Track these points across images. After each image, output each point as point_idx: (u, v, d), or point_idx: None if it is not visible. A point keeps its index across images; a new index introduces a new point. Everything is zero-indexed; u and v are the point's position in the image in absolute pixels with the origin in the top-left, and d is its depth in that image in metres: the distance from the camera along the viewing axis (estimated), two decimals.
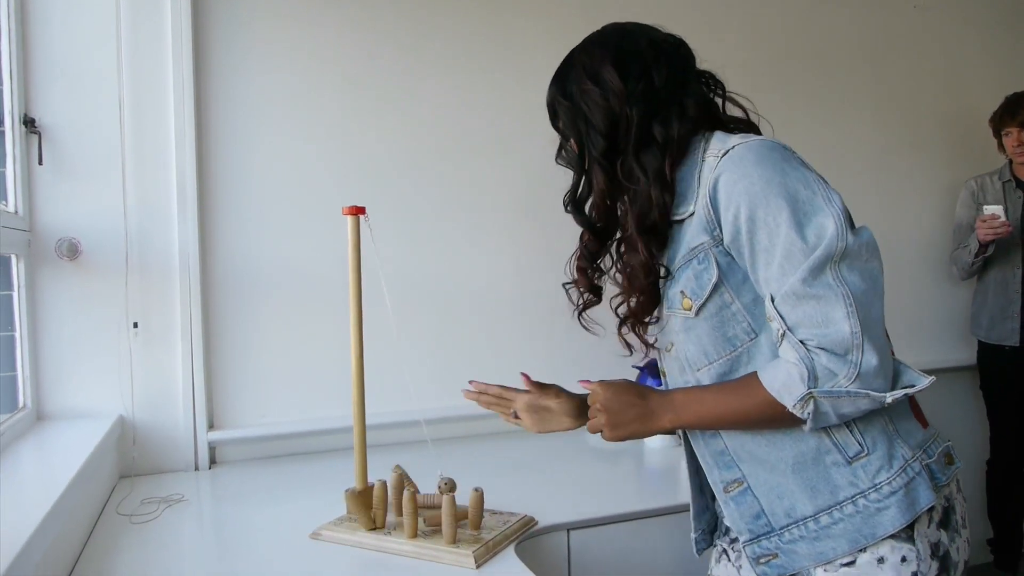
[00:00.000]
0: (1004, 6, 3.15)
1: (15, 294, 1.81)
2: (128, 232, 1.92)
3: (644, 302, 1.19)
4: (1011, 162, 2.79)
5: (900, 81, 2.96)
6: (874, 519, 1.02)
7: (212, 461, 2.00)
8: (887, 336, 1.03)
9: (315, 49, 2.12)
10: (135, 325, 1.92)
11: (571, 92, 1.23)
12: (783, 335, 1.00)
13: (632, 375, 2.31)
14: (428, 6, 2.25)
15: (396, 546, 1.38)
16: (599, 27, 1.30)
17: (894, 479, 1.02)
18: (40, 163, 1.84)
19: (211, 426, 2.00)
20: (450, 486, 1.37)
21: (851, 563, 1.04)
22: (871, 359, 0.96)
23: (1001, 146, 2.79)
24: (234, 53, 2.04)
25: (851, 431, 1.03)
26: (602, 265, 1.30)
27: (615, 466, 2.04)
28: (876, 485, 1.02)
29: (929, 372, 1.04)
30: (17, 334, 1.82)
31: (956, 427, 2.91)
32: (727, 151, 1.08)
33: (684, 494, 1.85)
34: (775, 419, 1.03)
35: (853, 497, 1.03)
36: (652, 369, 2.27)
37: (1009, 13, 3.15)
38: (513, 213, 2.36)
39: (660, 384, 2.25)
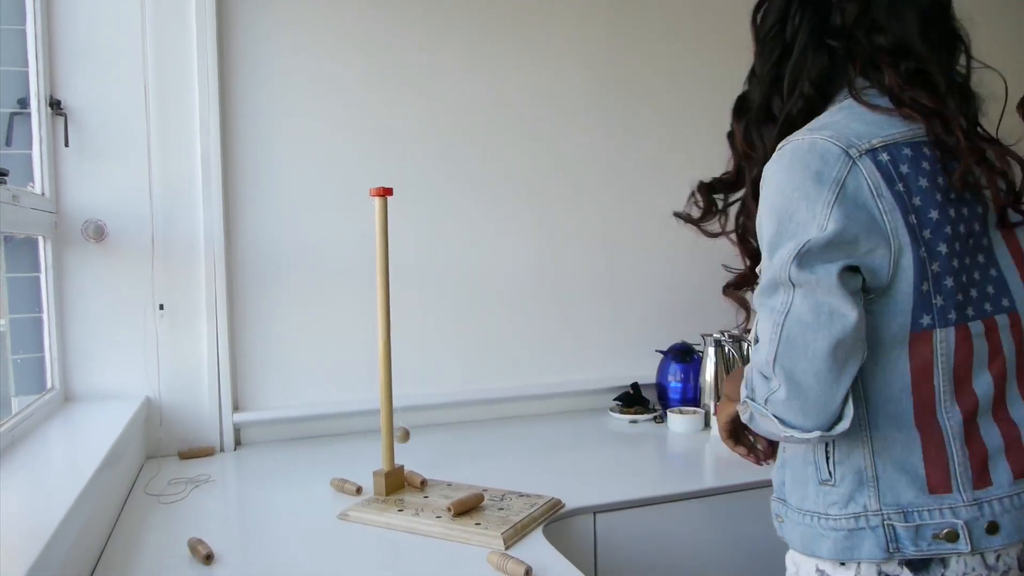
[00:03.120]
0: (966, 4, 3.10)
1: (42, 276, 1.82)
2: (154, 214, 1.93)
3: (747, 270, 1.25)
4: None
5: None
6: (816, 539, 1.05)
7: (237, 442, 2.01)
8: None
9: (339, 29, 2.11)
10: (161, 307, 1.93)
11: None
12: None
13: (655, 360, 2.31)
14: None
15: (425, 527, 1.38)
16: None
17: (841, 519, 1.02)
18: (66, 145, 1.84)
19: (236, 408, 2.01)
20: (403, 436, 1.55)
21: (807, 555, 1.07)
22: (780, 392, 0.97)
23: None
24: (258, 35, 2.03)
25: (827, 459, 1.04)
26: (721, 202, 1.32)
27: (638, 450, 2.03)
28: (827, 514, 1.04)
29: None
30: (44, 316, 1.83)
31: None
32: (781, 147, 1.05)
33: (708, 478, 1.86)
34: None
35: (812, 512, 1.06)
36: (676, 354, 2.27)
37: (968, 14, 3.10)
38: (540, 197, 2.34)
39: (686, 368, 2.25)
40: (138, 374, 1.92)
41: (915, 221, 0.96)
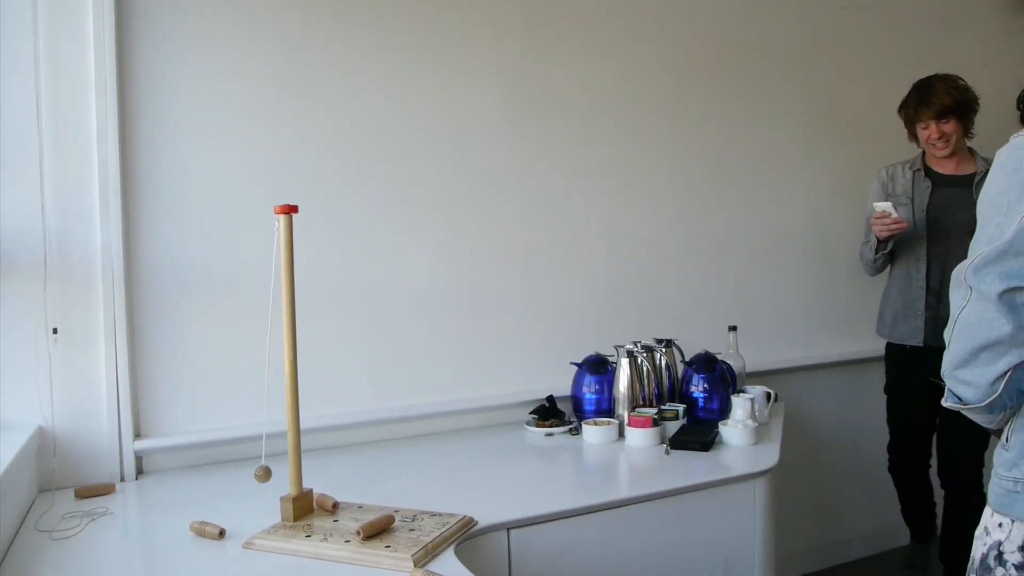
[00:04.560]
0: (926, 8, 3.25)
1: None
2: (47, 232, 1.83)
3: None
4: (924, 152, 2.68)
5: (827, 79, 3.03)
6: (993, 489, 1.19)
7: (139, 471, 1.93)
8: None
9: (247, 44, 2.06)
10: (55, 331, 1.83)
11: None
12: None
13: (570, 372, 2.32)
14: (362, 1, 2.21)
15: (333, 552, 1.34)
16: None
17: (1006, 480, 1.16)
18: None
19: (137, 435, 1.93)
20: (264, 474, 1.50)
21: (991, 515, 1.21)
22: (949, 366, 1.13)
23: (913, 136, 2.67)
24: (162, 47, 1.96)
25: (1010, 426, 1.17)
26: None
27: (553, 463, 2.04)
28: (999, 474, 1.18)
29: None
30: None
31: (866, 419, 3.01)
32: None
33: (623, 488, 1.87)
34: None
35: (996, 466, 1.19)
36: (590, 366, 2.29)
37: (931, 14, 3.26)
38: (454, 211, 2.33)
39: (600, 379, 2.26)
40: (30, 402, 1.81)
41: None
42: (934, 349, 2.51)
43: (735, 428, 2.06)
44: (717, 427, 2.10)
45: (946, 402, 1.17)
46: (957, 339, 1.10)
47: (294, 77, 2.11)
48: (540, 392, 2.35)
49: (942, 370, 1.15)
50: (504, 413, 2.36)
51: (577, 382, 2.30)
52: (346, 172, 2.19)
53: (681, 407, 2.20)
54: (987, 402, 1.10)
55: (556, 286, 2.49)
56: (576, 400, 2.29)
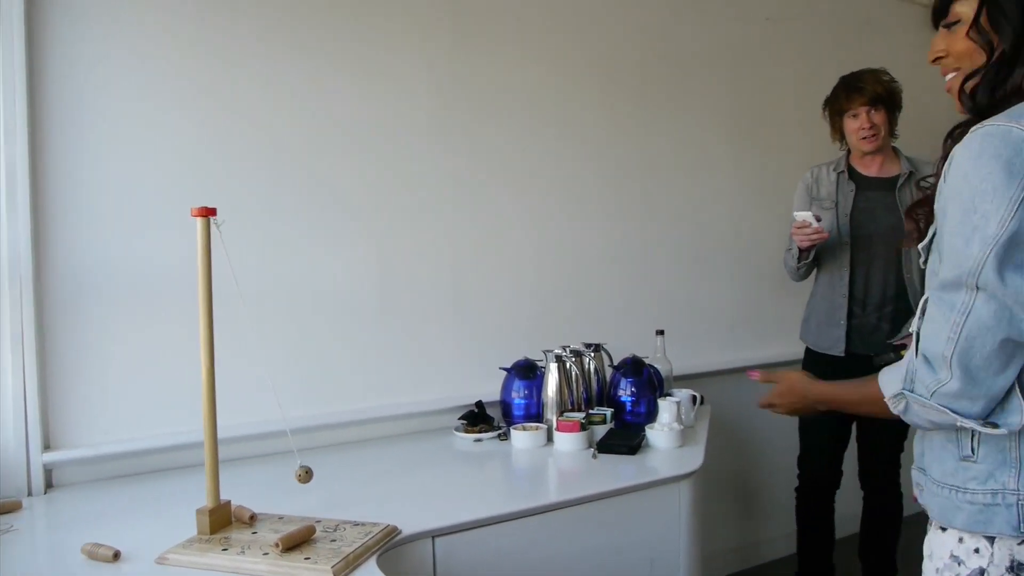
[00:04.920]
0: (848, 19, 3.36)
1: None
2: None
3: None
4: (848, 153, 2.61)
5: (754, 86, 3.10)
6: (953, 512, 1.10)
7: (48, 485, 1.84)
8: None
9: (167, 37, 1.99)
10: None
11: None
12: (918, 329, 1.08)
13: (499, 377, 2.31)
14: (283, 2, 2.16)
15: (250, 565, 1.30)
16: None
17: (978, 495, 1.07)
18: None
19: (47, 446, 1.84)
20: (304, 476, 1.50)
21: (943, 529, 1.13)
22: (952, 385, 1.02)
23: (838, 134, 2.58)
24: (75, 40, 1.88)
25: (972, 437, 1.08)
26: None
27: (482, 469, 2.03)
28: (965, 488, 1.08)
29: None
30: None
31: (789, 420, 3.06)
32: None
33: (552, 493, 1.87)
34: (880, 408, 1.14)
35: (952, 486, 1.10)
36: (519, 371, 2.28)
37: (852, 24, 3.37)
38: (380, 215, 2.31)
39: (529, 384, 2.26)
40: None
41: None
42: (856, 357, 2.48)
43: (661, 431, 2.08)
44: (644, 430, 2.12)
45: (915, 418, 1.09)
46: (967, 349, 1.00)
47: (214, 78, 2.06)
48: (469, 398, 2.33)
49: (915, 390, 1.06)
50: (433, 419, 2.34)
51: (506, 387, 2.29)
52: (269, 175, 2.14)
53: (609, 411, 2.22)
54: (995, 416, 1.02)
55: (485, 291, 2.48)
56: (505, 405, 2.29)
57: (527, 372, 2.27)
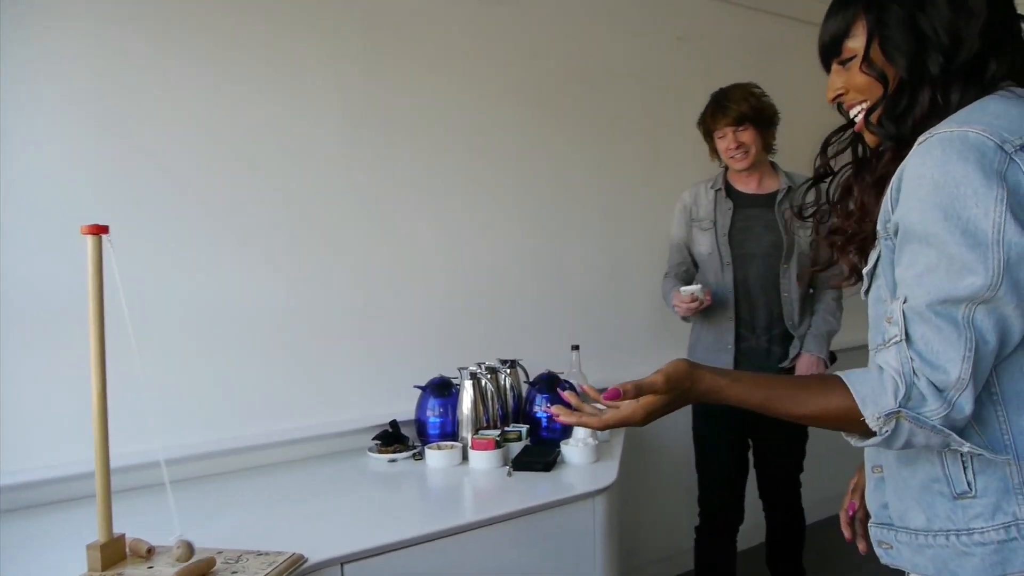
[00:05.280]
0: (754, 39, 3.46)
1: None
2: None
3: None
4: (726, 169, 2.52)
5: (666, 105, 3.16)
6: (959, 559, 0.98)
7: None
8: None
9: (61, 51, 1.90)
10: None
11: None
12: (896, 342, 0.94)
13: (414, 396, 2.27)
14: (184, 12, 2.09)
15: None
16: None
17: (989, 531, 0.96)
18: None
19: None
20: (185, 553, 1.31)
21: None
22: (964, 407, 0.91)
23: (714, 151, 2.49)
24: None
25: (965, 469, 0.98)
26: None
27: (396, 490, 1.99)
28: (969, 529, 0.97)
29: None
30: None
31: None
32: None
33: (468, 513, 1.85)
34: (841, 425, 0.98)
35: (947, 531, 0.99)
36: (434, 389, 2.25)
37: (759, 46, 3.47)
38: (291, 232, 2.25)
39: (444, 402, 2.22)
40: None
41: None
42: None
43: (576, 447, 2.08)
44: (559, 446, 2.11)
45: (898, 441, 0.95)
46: (978, 371, 0.92)
47: (112, 91, 1.98)
48: (383, 417, 2.29)
49: (921, 412, 0.92)
50: (346, 440, 2.28)
51: (421, 405, 2.26)
52: (171, 193, 2.06)
53: (524, 427, 2.21)
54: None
55: (399, 308, 2.45)
56: (420, 424, 2.25)
57: (442, 390, 2.24)
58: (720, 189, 2.52)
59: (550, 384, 2.29)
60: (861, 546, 1.25)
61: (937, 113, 1.00)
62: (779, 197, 2.46)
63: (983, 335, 0.91)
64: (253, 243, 2.19)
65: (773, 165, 2.55)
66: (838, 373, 0.99)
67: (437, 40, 2.54)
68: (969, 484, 0.97)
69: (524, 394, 2.36)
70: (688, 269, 2.62)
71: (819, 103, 3.07)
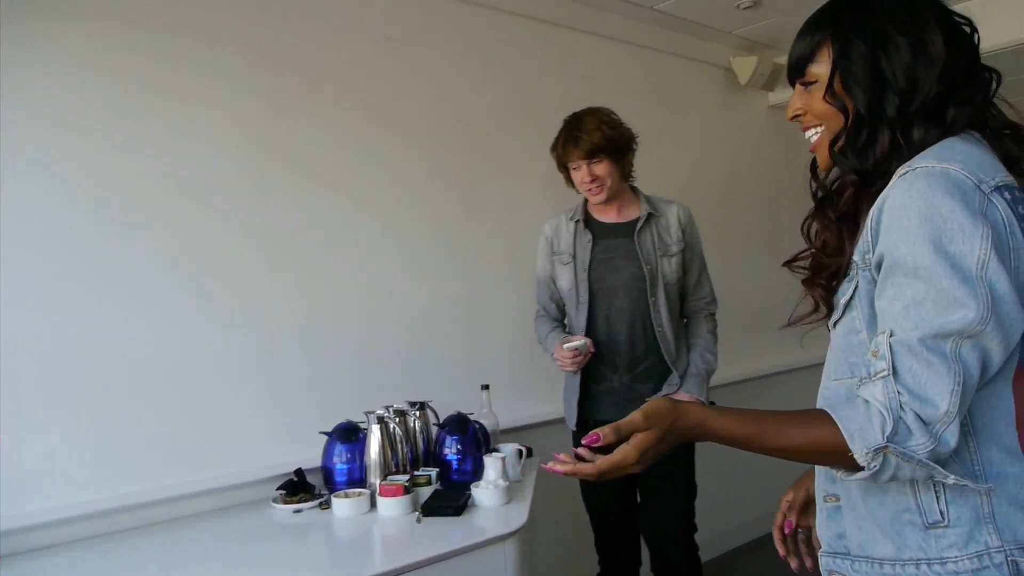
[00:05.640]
0: (656, 79, 3.56)
1: None
2: None
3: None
4: (586, 200, 2.39)
5: None
6: None
7: None
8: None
9: None
10: None
11: (885, 38, 1.04)
12: (884, 376, 0.94)
13: (320, 442, 2.21)
14: (75, 48, 2.02)
15: None
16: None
17: (962, 560, 0.96)
18: None
19: None
20: None
21: None
22: (950, 440, 0.91)
23: (570, 181, 2.37)
24: None
25: (937, 498, 0.98)
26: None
27: (300, 543, 1.92)
28: (942, 559, 0.97)
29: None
30: None
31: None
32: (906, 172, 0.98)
33: (377, 563, 1.80)
34: (828, 460, 0.99)
35: (917, 560, 0.99)
36: (341, 434, 2.20)
37: (662, 84, 3.58)
38: (192, 274, 2.18)
39: (351, 448, 2.17)
40: None
41: None
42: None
43: (486, 489, 2.06)
44: (469, 490, 2.08)
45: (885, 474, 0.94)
46: (965, 405, 0.93)
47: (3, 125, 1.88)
48: (288, 465, 2.21)
49: (908, 447, 0.92)
50: (248, 491, 2.19)
51: (327, 452, 2.19)
52: (59, 233, 1.97)
53: (434, 471, 2.17)
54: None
55: (305, 352, 2.39)
56: (327, 471, 2.19)
57: (349, 435, 2.19)
58: (579, 220, 2.39)
59: (460, 425, 2.26)
60: (794, 564, 1.27)
61: (898, 153, 1.02)
62: (638, 226, 2.34)
63: (969, 369, 0.92)
64: (149, 285, 2.11)
65: (634, 190, 2.44)
66: (823, 408, 0.99)
67: (342, 74, 2.52)
68: (942, 513, 0.98)
69: (434, 436, 2.33)
70: (558, 305, 2.50)
71: (715, 139, 3.18)
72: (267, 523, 2.04)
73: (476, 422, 2.32)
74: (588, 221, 2.40)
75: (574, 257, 2.36)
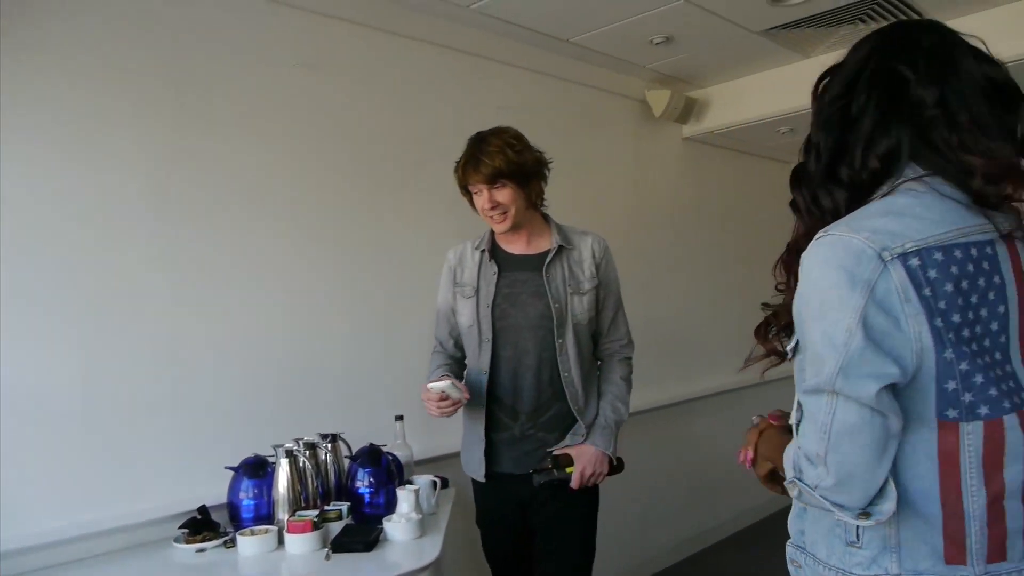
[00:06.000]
0: (572, 109, 3.62)
1: None
2: None
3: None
4: None
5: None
6: None
7: None
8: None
9: None
10: None
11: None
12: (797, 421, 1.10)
13: (225, 477, 2.14)
14: None
15: None
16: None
17: None
18: None
19: None
20: None
21: None
22: (829, 480, 1.03)
23: (473, 204, 2.15)
24: None
25: (857, 525, 1.09)
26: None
27: None
28: (850, 572, 1.10)
29: None
30: None
31: None
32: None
33: None
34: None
35: (837, 568, 1.12)
36: (248, 469, 2.13)
37: (577, 115, 3.63)
38: (79, 302, 2.08)
39: (259, 483, 2.11)
40: None
41: (940, 324, 1.01)
42: (512, 479, 2.13)
43: (399, 523, 2.02)
44: (382, 523, 2.04)
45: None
46: (837, 448, 1.02)
47: None
48: (192, 503, 2.12)
49: (803, 480, 1.07)
50: (149, 531, 2.09)
51: (233, 488, 2.12)
52: None
53: (345, 505, 2.12)
54: (882, 509, 1.04)
55: (210, 384, 2.31)
56: (233, 508, 2.11)
57: (256, 470, 2.12)
58: (485, 250, 2.17)
59: (373, 457, 2.22)
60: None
61: (821, 208, 1.14)
62: (548, 259, 2.13)
63: (845, 423, 1.02)
64: (39, 315, 2.01)
65: (546, 219, 2.22)
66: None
67: (252, 97, 2.47)
68: (857, 536, 1.10)
69: (346, 469, 2.28)
70: (457, 342, 2.28)
71: (631, 170, 3.22)
72: (168, 564, 1.95)
73: (389, 453, 2.28)
74: (495, 251, 2.18)
75: (477, 291, 2.14)
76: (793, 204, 1.21)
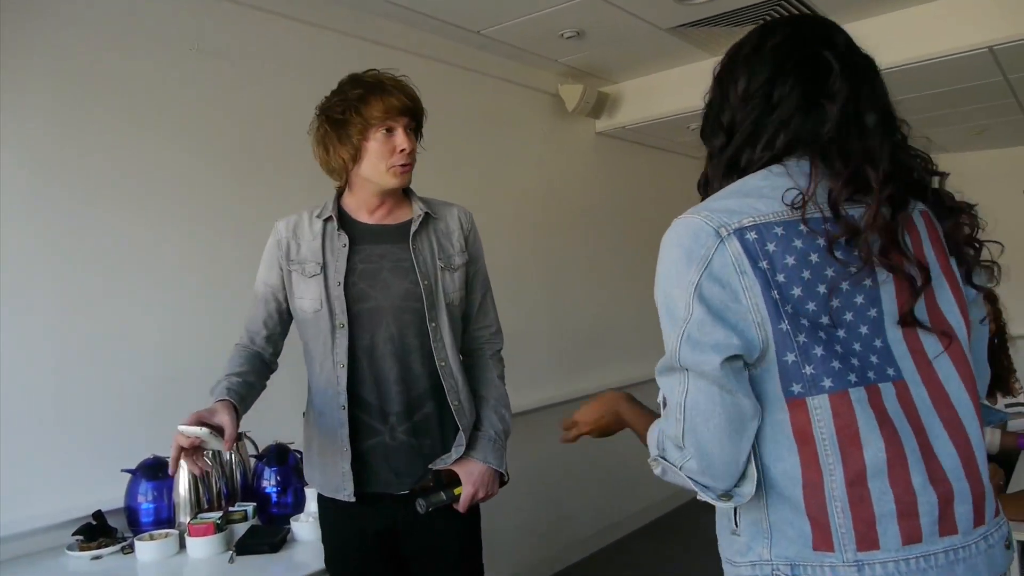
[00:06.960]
0: (488, 107, 3.61)
1: None
2: None
3: None
4: (340, 193, 1.79)
5: None
6: None
7: None
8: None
9: None
10: None
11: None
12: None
13: (123, 481, 2.05)
14: None
15: None
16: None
17: (744, 565, 1.09)
18: None
19: None
20: None
21: None
22: (692, 463, 1.04)
23: (346, 159, 1.70)
24: None
25: (735, 510, 1.10)
26: None
27: None
28: (734, 562, 1.11)
29: None
30: None
31: None
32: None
33: None
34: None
35: (726, 558, 1.14)
36: (147, 471, 2.05)
37: (491, 112, 3.62)
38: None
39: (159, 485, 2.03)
40: None
41: (777, 296, 1.01)
42: (386, 499, 1.70)
43: (307, 522, 1.98)
44: (289, 524, 1.99)
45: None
46: (693, 431, 1.03)
47: None
48: (86, 508, 2.03)
49: (667, 458, 1.07)
50: (39, 539, 2.00)
51: (131, 491, 2.04)
52: None
53: (251, 506, 2.07)
54: (734, 487, 1.04)
55: (101, 383, 2.21)
56: (131, 512, 2.03)
57: (155, 472, 2.05)
58: (330, 218, 1.75)
59: (280, 456, 2.17)
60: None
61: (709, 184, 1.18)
62: (413, 228, 1.75)
63: (697, 401, 1.03)
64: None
65: (406, 190, 1.82)
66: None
67: (140, 90, 2.37)
68: (736, 523, 1.11)
69: (252, 468, 2.22)
70: (272, 335, 1.83)
71: (543, 164, 3.22)
72: (61, 573, 1.87)
73: (297, 451, 2.23)
74: (343, 220, 1.76)
75: (323, 267, 1.72)
76: (701, 185, 1.21)
